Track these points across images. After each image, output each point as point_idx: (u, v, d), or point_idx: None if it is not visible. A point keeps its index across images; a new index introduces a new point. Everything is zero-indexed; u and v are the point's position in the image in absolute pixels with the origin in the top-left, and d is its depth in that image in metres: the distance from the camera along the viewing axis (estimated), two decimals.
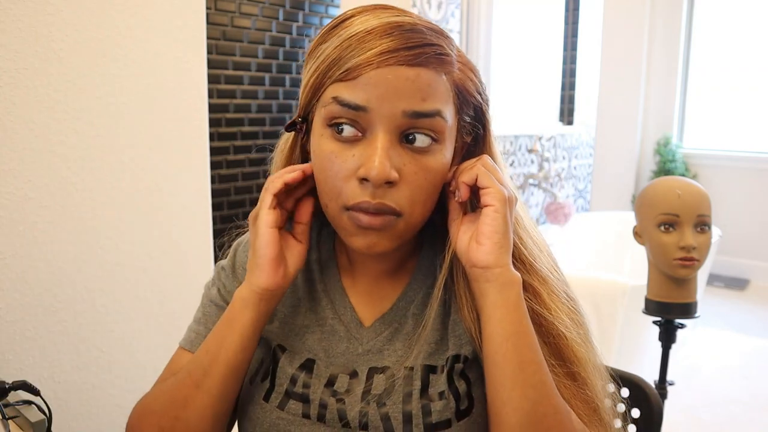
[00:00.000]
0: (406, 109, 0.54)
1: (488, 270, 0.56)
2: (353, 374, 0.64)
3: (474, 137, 0.64)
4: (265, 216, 0.60)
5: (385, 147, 0.55)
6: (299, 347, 0.67)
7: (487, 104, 0.63)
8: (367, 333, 0.67)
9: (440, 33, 0.57)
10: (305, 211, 0.65)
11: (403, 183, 0.56)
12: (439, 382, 0.62)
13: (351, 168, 0.56)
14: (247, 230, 0.71)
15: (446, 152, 0.58)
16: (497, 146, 0.65)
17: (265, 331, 0.69)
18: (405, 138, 0.56)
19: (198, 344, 0.71)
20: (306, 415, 0.63)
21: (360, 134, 0.56)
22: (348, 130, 0.56)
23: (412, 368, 0.63)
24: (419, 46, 0.54)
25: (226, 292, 0.73)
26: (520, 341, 0.56)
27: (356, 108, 0.55)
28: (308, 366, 0.66)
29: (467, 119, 0.61)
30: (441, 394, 0.61)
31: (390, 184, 0.55)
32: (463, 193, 0.59)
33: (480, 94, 0.61)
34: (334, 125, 0.57)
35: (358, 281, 0.70)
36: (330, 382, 0.64)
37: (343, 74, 0.55)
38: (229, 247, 0.78)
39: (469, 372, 0.63)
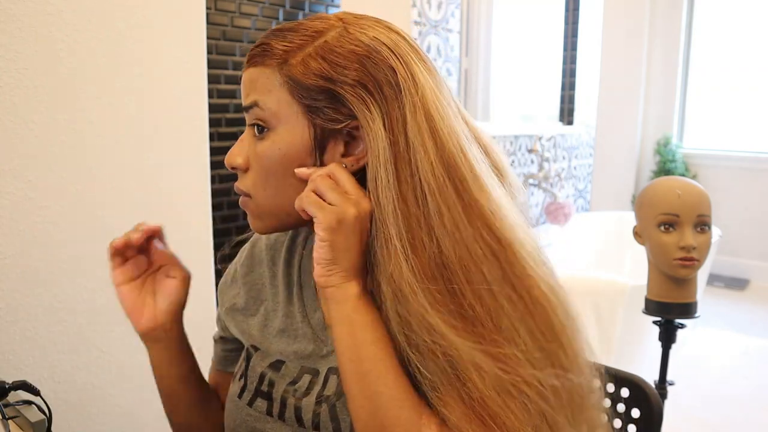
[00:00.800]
0: (242, 104, 0.63)
1: (323, 290, 0.60)
2: (315, 374, 0.66)
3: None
4: (111, 277, 0.70)
5: (242, 139, 0.65)
6: (272, 349, 0.71)
7: (348, 85, 0.58)
8: (331, 335, 0.67)
9: (288, 30, 0.62)
10: (158, 255, 0.73)
11: (250, 168, 0.64)
12: None
13: None
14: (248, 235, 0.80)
15: (279, 138, 0.61)
16: (412, 133, 0.58)
17: (243, 333, 0.75)
18: (254, 129, 0.63)
19: (213, 356, 0.84)
20: (269, 413, 0.67)
21: None
22: None
23: None
24: (251, 50, 0.63)
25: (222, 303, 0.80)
26: (353, 355, 0.57)
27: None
28: (277, 366, 0.69)
29: (320, 104, 0.59)
30: None
31: (238, 169, 0.64)
32: (305, 218, 0.61)
33: (324, 77, 0.58)
34: None
35: None
36: (293, 381, 0.67)
37: None
38: (230, 250, 0.83)
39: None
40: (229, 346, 0.81)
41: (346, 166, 0.60)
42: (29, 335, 1.08)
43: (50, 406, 0.84)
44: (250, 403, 0.68)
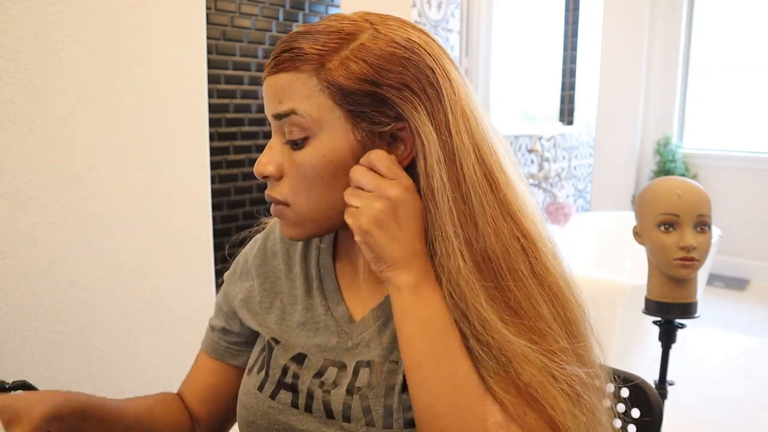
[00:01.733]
0: (271, 112, 0.62)
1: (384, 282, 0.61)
2: (342, 367, 0.66)
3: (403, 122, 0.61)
4: None
5: (269, 146, 0.63)
6: (293, 342, 0.70)
7: (395, 89, 0.59)
8: (356, 327, 0.69)
9: (318, 32, 0.60)
10: None
11: (286, 177, 0.62)
12: None
13: None
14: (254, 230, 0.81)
15: (322, 145, 0.60)
16: (455, 130, 0.60)
17: (261, 326, 0.74)
18: (286, 137, 0.62)
19: (207, 344, 0.82)
20: (294, 405, 0.66)
21: None
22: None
23: (397, 362, 0.64)
24: (278, 55, 0.61)
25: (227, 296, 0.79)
26: (405, 346, 0.59)
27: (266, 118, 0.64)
28: (299, 359, 0.69)
29: (365, 108, 0.59)
30: None
31: (271, 178, 0.63)
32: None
33: (369, 81, 0.58)
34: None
35: (354, 274, 0.72)
36: (319, 374, 0.67)
37: None
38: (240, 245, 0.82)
39: None
40: (232, 339, 0.80)
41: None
42: (29, 335, 1.08)
43: None
44: (273, 396, 0.68)
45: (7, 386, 0.82)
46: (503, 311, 0.58)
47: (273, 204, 0.65)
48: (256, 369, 0.71)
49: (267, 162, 0.62)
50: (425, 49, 0.60)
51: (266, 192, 0.65)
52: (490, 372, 0.58)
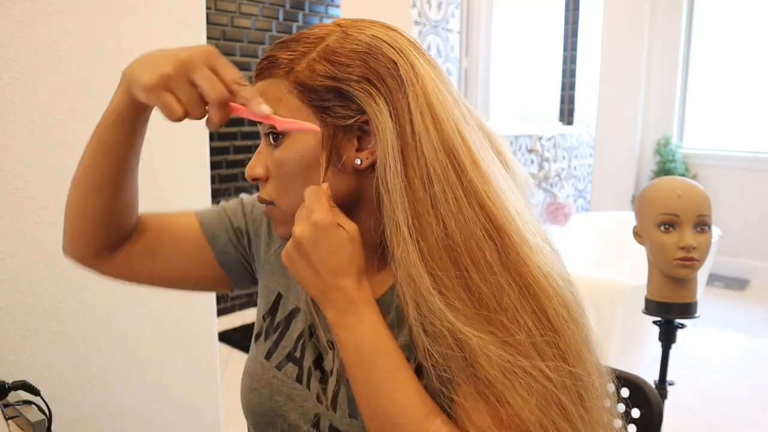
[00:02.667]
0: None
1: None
2: (338, 353, 0.67)
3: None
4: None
5: (258, 150, 0.67)
6: (293, 295, 0.73)
7: (354, 81, 0.60)
8: None
9: (291, 40, 0.64)
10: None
11: (271, 177, 0.65)
12: None
13: None
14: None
15: (294, 143, 0.63)
16: (423, 127, 0.60)
17: (281, 287, 0.75)
18: (269, 139, 0.65)
19: (203, 216, 0.79)
20: (299, 380, 0.69)
21: None
22: None
23: None
24: (259, 64, 0.65)
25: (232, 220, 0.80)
26: (348, 376, 0.61)
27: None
28: (306, 332, 0.70)
29: (329, 103, 0.61)
30: None
31: (259, 180, 0.66)
32: None
33: (328, 76, 0.61)
34: None
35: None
36: (320, 357, 0.69)
37: None
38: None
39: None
40: (229, 251, 0.78)
41: (360, 162, 0.62)
42: (29, 335, 1.08)
43: (50, 406, 0.84)
44: (279, 367, 0.70)
45: (7, 386, 0.82)
46: (462, 302, 0.57)
47: (264, 205, 0.67)
48: (263, 337, 0.74)
49: (255, 165, 0.65)
50: (388, 43, 0.61)
51: (258, 194, 0.67)
52: (447, 368, 0.58)
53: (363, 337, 0.60)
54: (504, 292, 0.57)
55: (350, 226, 0.61)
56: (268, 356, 0.71)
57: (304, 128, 0.61)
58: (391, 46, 0.61)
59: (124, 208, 0.73)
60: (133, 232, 0.76)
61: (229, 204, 0.82)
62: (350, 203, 0.64)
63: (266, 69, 0.64)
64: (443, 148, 0.59)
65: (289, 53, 0.63)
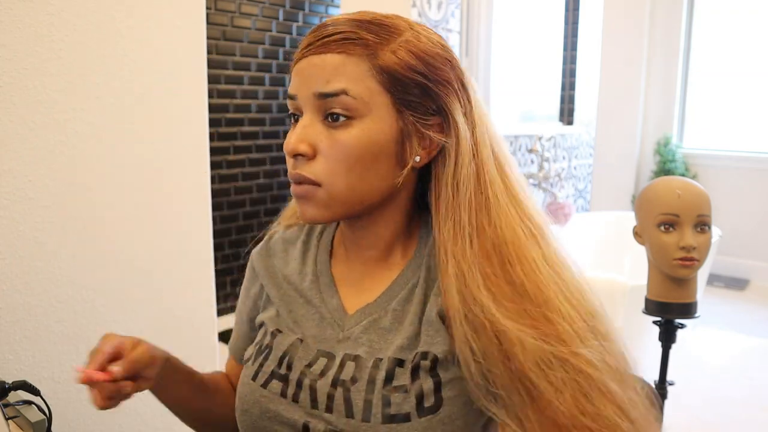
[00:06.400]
0: (315, 91, 0.62)
1: None
2: (331, 357, 0.68)
3: (443, 120, 0.66)
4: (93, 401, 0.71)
5: (303, 125, 0.63)
6: (294, 329, 0.73)
7: (442, 84, 0.64)
8: (348, 320, 0.71)
9: (368, 22, 0.62)
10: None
11: (321, 156, 0.63)
12: (403, 376, 0.64)
13: None
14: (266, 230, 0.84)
15: (368, 127, 0.62)
16: (484, 132, 0.66)
17: (266, 318, 0.76)
18: (328, 117, 0.63)
19: (233, 347, 0.86)
20: (283, 394, 0.69)
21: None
22: (299, 118, 0.65)
23: (381, 359, 0.66)
24: (327, 36, 0.62)
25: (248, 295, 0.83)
26: None
27: (291, 97, 0.65)
28: (297, 344, 0.71)
29: (412, 98, 0.63)
30: (401, 388, 0.64)
31: (303, 156, 0.63)
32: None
33: (421, 74, 0.62)
34: (291, 114, 0.67)
35: (350, 270, 0.74)
36: (309, 364, 0.69)
37: (290, 71, 0.66)
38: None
39: (440, 371, 0.64)
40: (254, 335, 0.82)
41: (419, 159, 0.65)
42: (29, 335, 1.08)
43: (50, 406, 0.84)
44: (265, 385, 0.70)
45: (7, 386, 0.82)
46: (503, 296, 0.60)
47: (298, 184, 0.64)
48: (251, 361, 0.74)
49: (300, 140, 0.62)
50: (453, 54, 0.66)
51: (294, 171, 0.64)
52: (486, 355, 0.60)
53: None
54: (546, 285, 0.61)
55: None
56: (254, 377, 0.72)
57: None
58: (454, 56, 0.67)
59: (222, 416, 0.81)
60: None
61: (241, 297, 0.84)
62: (390, 196, 0.67)
63: (339, 42, 0.61)
64: (494, 156, 0.65)
65: (373, 36, 0.62)
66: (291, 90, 0.65)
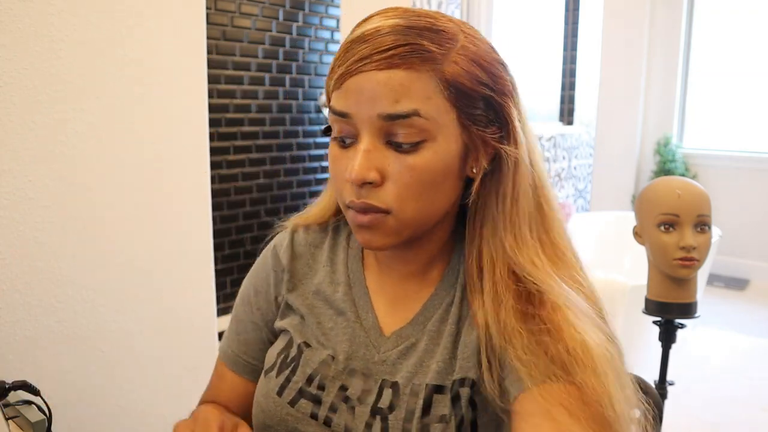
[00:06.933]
0: (381, 112, 0.56)
1: None
2: (366, 381, 0.65)
3: (500, 128, 0.62)
4: None
5: (366, 149, 0.57)
6: (324, 343, 0.69)
7: (504, 95, 0.61)
8: (385, 342, 0.67)
9: (425, 29, 0.56)
10: None
11: (389, 182, 0.58)
12: (442, 404, 0.61)
13: (345, 171, 0.59)
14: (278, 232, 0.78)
15: (440, 148, 0.58)
16: (531, 138, 0.65)
17: (289, 326, 0.72)
18: (391, 139, 0.58)
19: (226, 350, 0.79)
20: (314, 416, 0.65)
21: (354, 140, 0.59)
22: (348, 139, 0.60)
23: (418, 385, 0.63)
24: (391, 48, 0.55)
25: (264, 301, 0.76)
26: None
27: (342, 115, 0.58)
28: (327, 364, 0.67)
29: (477, 111, 0.59)
30: (442, 417, 0.61)
31: (371, 184, 0.58)
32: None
33: (486, 85, 0.59)
34: (333, 132, 0.61)
35: (384, 283, 0.70)
36: (344, 387, 0.65)
37: (335, 84, 0.58)
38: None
39: (476, 397, 0.62)
40: (255, 350, 0.77)
41: (475, 171, 0.62)
42: (29, 335, 1.08)
43: (50, 406, 0.84)
44: (293, 403, 0.66)
45: (7, 386, 0.82)
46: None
47: (363, 213, 0.59)
48: (275, 372, 0.69)
49: (368, 167, 0.57)
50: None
51: (360, 200, 0.58)
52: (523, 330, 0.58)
53: None
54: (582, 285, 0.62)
55: None
56: (280, 392, 0.67)
57: None
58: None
59: None
60: None
61: (249, 298, 0.77)
62: (449, 209, 0.64)
63: (406, 58, 0.55)
64: (539, 164, 0.65)
65: (437, 47, 0.56)
66: (344, 108, 0.57)
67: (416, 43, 0.55)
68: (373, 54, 0.55)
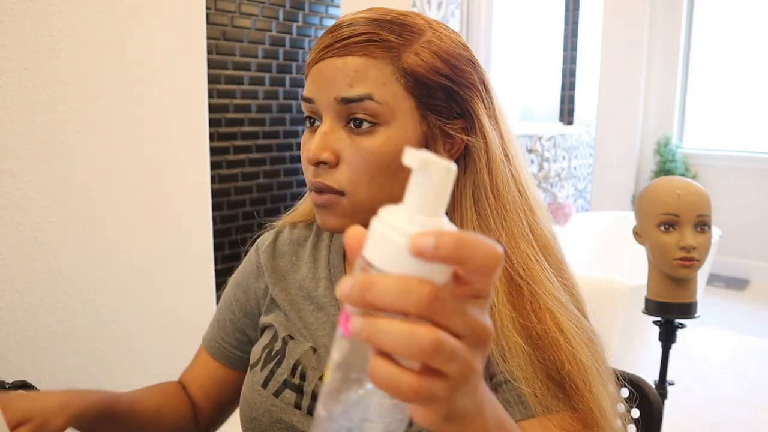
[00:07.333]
0: (337, 95, 0.59)
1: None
2: None
3: (466, 122, 0.63)
4: None
5: (324, 132, 0.60)
6: (306, 336, 0.70)
7: (467, 88, 0.62)
8: None
9: (390, 21, 0.60)
10: None
11: (344, 163, 0.60)
12: None
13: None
14: (266, 230, 0.80)
15: (394, 134, 0.59)
16: (508, 134, 0.65)
17: (274, 321, 0.74)
18: (350, 122, 0.60)
19: (206, 335, 0.83)
20: (297, 406, 0.66)
21: (320, 124, 0.62)
22: (316, 123, 0.63)
23: None
24: (351, 37, 0.58)
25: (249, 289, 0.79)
26: None
27: (307, 100, 0.62)
28: (309, 355, 0.68)
29: (437, 102, 0.61)
30: None
31: (326, 164, 0.60)
32: None
33: (446, 77, 0.60)
34: (307, 118, 0.64)
35: None
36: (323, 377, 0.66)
37: (306, 72, 0.63)
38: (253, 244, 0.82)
39: None
40: (235, 341, 0.80)
41: None
42: (29, 335, 1.08)
43: None
44: (277, 394, 0.67)
45: (7, 386, 0.82)
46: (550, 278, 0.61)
47: (319, 193, 0.61)
48: (260, 366, 0.71)
49: (322, 147, 0.59)
50: (473, 54, 0.65)
51: (315, 180, 0.61)
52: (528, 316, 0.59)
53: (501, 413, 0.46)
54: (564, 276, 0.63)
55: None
56: (264, 384, 0.69)
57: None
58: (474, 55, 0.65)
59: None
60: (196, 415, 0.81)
61: (233, 291, 0.80)
62: None
63: (361, 44, 0.58)
64: (517, 156, 0.65)
65: (396, 37, 0.59)
66: (308, 93, 0.61)
67: (375, 33, 0.58)
68: (334, 43, 0.59)
